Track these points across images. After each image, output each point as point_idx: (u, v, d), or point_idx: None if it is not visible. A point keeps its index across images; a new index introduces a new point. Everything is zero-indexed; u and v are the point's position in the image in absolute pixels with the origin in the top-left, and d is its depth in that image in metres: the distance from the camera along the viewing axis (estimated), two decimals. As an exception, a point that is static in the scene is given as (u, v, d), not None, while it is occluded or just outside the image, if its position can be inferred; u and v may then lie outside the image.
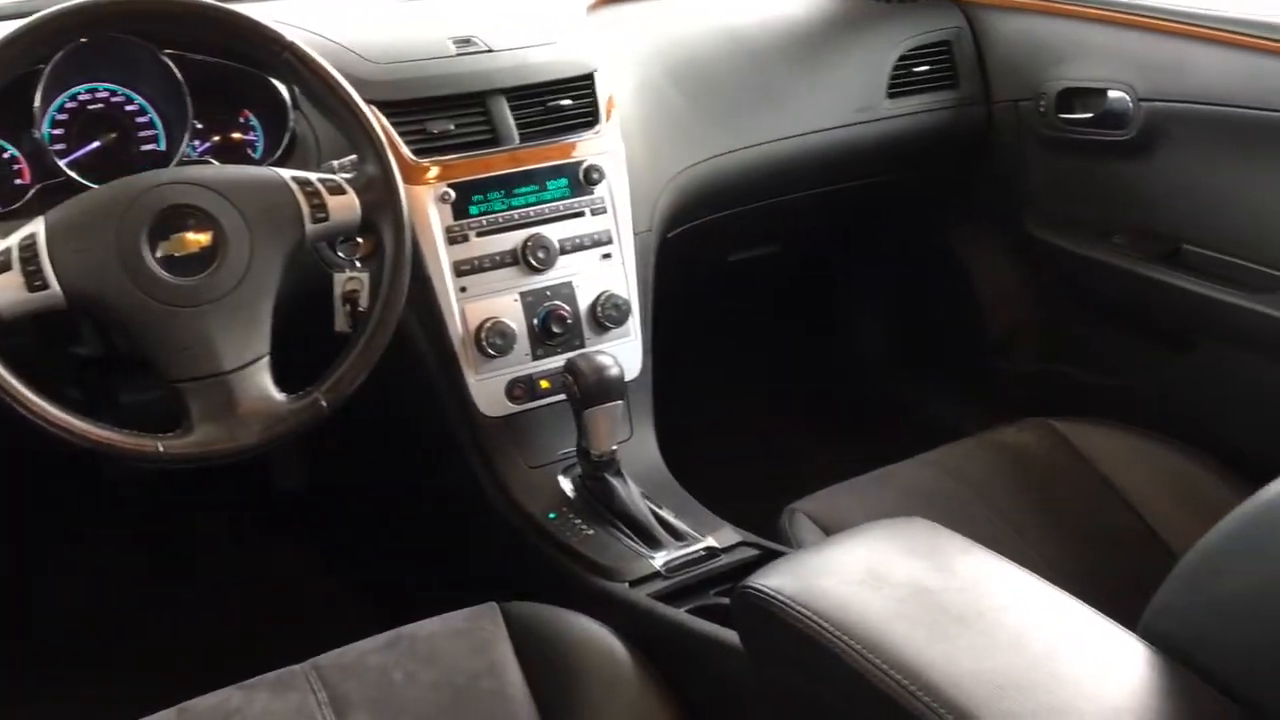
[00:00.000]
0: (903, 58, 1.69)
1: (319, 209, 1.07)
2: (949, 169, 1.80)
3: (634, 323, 1.41)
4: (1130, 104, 1.56)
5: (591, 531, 1.26)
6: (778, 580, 0.90)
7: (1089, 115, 1.61)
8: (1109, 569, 1.24)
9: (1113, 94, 1.58)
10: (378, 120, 1.18)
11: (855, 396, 2.02)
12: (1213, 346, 1.51)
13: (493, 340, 1.30)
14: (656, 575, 1.19)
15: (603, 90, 1.41)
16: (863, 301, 2.11)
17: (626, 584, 1.18)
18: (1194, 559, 0.81)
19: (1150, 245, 1.57)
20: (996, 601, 0.87)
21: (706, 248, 1.68)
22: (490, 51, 1.36)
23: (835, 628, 0.84)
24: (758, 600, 0.90)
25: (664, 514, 1.28)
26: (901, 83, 1.69)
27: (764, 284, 2.00)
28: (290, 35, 1.12)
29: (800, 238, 1.85)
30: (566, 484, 1.33)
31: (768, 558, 1.18)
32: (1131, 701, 0.77)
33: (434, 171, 1.29)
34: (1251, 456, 1.27)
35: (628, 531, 1.25)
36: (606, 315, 1.37)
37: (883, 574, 0.90)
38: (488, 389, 1.32)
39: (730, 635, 0.99)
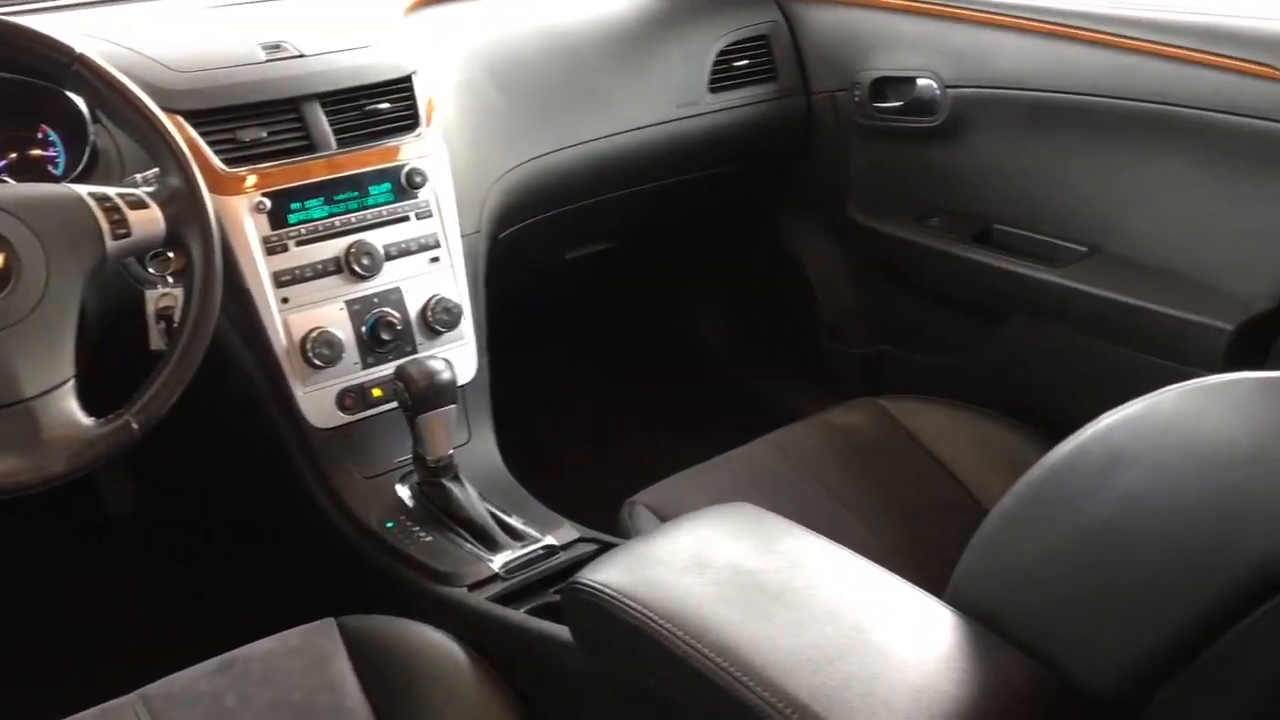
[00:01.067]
0: (722, 52, 1.72)
1: (119, 225, 1.03)
2: (774, 159, 1.85)
3: (467, 326, 1.40)
4: (938, 91, 1.63)
5: (430, 538, 1.26)
6: (604, 574, 0.91)
7: (900, 103, 1.68)
8: (936, 538, 1.29)
9: (921, 82, 1.65)
10: (180, 131, 1.15)
11: (699, 386, 2.05)
12: (1022, 320, 1.58)
13: (319, 351, 1.28)
14: (495, 578, 1.19)
15: (422, 92, 1.40)
16: (701, 292, 2.14)
17: (465, 588, 1.18)
18: (991, 525, 0.86)
19: (963, 226, 1.64)
20: (812, 579, 0.90)
21: (540, 247, 1.69)
22: (302, 57, 1.34)
23: (659, 616, 0.85)
24: (585, 595, 0.91)
25: (503, 516, 1.29)
26: (722, 77, 1.72)
27: (603, 280, 2.01)
28: (86, 45, 1.07)
29: (635, 233, 1.87)
30: (404, 492, 1.32)
31: (606, 552, 1.19)
32: (938, 665, 0.80)
33: (251, 180, 1.26)
34: (1059, 422, 1.34)
35: (467, 536, 1.25)
36: (438, 319, 1.36)
37: (706, 559, 0.92)
38: (317, 400, 1.30)
39: (566, 632, 1.00)
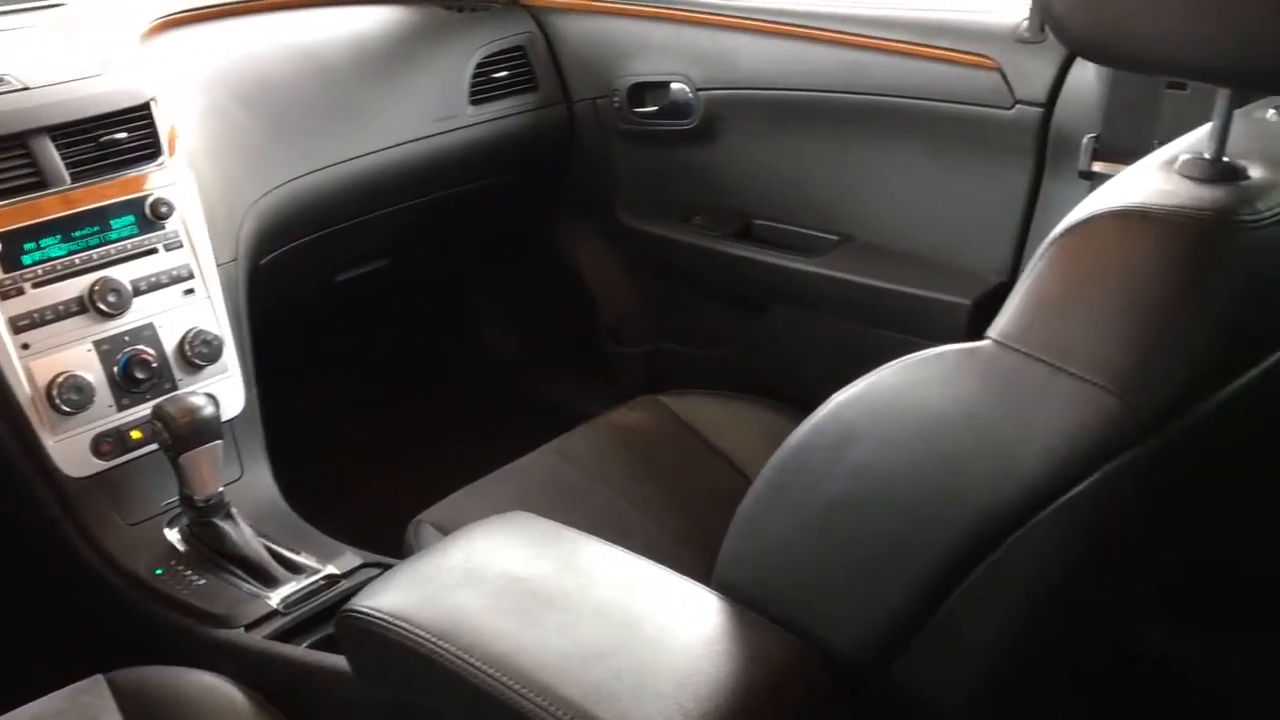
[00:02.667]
0: (480, 65, 1.72)
1: None
2: (541, 168, 1.86)
3: (230, 357, 1.36)
4: (690, 94, 1.68)
5: (204, 581, 1.21)
6: (375, 599, 0.91)
7: (657, 108, 1.72)
8: (720, 527, 1.32)
9: (674, 86, 1.70)
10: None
11: (487, 398, 2.05)
12: (786, 309, 1.65)
13: (67, 396, 1.21)
14: (274, 614, 1.16)
15: (163, 120, 1.35)
16: (483, 304, 2.14)
17: (242, 629, 1.14)
18: (745, 509, 0.89)
19: (725, 223, 1.70)
20: (584, 580, 0.91)
21: (307, 270, 1.65)
22: (26, 90, 1.27)
23: (432, 635, 0.85)
24: (358, 622, 0.90)
25: (281, 550, 1.25)
26: (483, 89, 1.72)
27: (380, 299, 1.98)
28: None
29: (410, 250, 1.85)
30: (174, 535, 1.27)
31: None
32: (703, 650, 0.83)
33: (-22, 222, 1.19)
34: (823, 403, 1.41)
35: (242, 574, 1.21)
36: (197, 354, 1.32)
37: (479, 572, 0.92)
38: (70, 448, 1.23)
39: (345, 662, 0.98)
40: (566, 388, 1.97)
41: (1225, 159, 0.75)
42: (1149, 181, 0.75)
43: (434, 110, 1.67)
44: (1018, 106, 1.37)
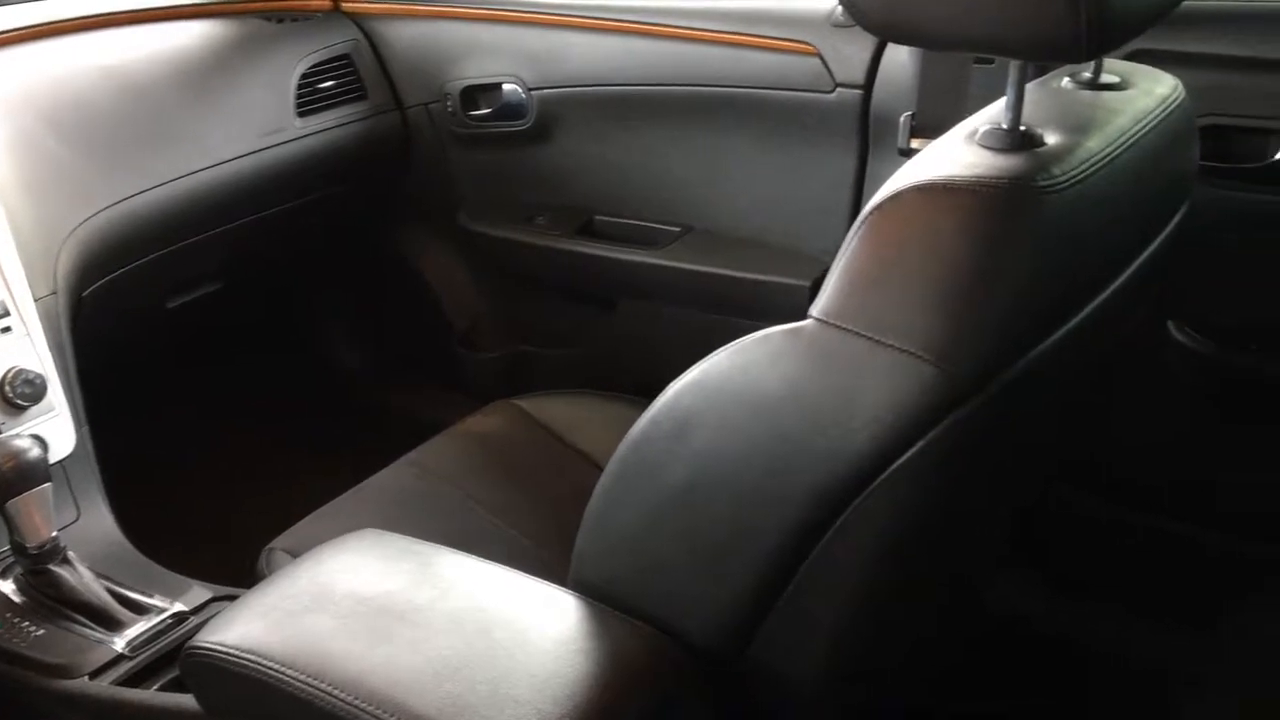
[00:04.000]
0: (305, 76, 1.68)
1: None
2: (378, 177, 1.83)
3: (56, 395, 1.29)
4: (523, 95, 1.67)
5: (43, 631, 1.15)
6: (220, 632, 0.88)
7: (491, 110, 1.71)
8: (582, 527, 1.33)
9: (507, 87, 1.69)
10: None
11: (340, 416, 2.00)
12: (634, 303, 1.66)
13: (-123, 449, 1.14)
14: (120, 659, 1.11)
15: (-37, 152, 1.28)
16: (330, 319, 2.09)
17: (86, 677, 1.09)
18: (594, 506, 0.89)
19: (567, 221, 1.70)
20: (435, 593, 0.90)
21: (136, 298, 1.58)
22: None
23: (278, 664, 0.83)
24: (202, 658, 0.87)
25: (124, 591, 1.20)
26: (309, 100, 1.68)
27: (220, 322, 1.92)
28: None
29: (245, 269, 1.79)
30: (7, 586, 1.20)
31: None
32: (560, 651, 0.83)
33: None
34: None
35: (84, 620, 1.16)
36: (19, 394, 1.25)
37: (326, 595, 0.90)
38: (-118, 506, 1.16)
39: (193, 701, 0.95)
40: (421, 398, 1.94)
41: (1022, 128, 0.77)
42: (951, 154, 0.78)
43: (259, 125, 1.62)
44: (838, 90, 1.40)
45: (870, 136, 1.40)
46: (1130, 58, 1.17)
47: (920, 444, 0.73)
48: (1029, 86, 0.93)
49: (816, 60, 1.41)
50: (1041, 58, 0.74)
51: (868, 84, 1.38)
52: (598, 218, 1.69)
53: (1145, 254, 0.88)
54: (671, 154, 1.60)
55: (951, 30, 0.74)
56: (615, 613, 0.87)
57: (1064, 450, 1.12)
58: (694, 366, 0.83)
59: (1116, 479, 1.37)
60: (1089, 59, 0.72)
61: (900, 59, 1.34)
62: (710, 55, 1.51)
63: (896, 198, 0.75)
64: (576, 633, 0.85)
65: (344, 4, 1.79)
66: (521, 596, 0.90)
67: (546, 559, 1.23)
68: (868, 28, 0.76)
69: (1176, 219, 0.95)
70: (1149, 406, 1.30)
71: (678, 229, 1.62)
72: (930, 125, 1.26)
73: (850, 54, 1.38)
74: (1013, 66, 0.76)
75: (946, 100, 1.18)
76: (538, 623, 0.86)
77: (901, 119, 1.28)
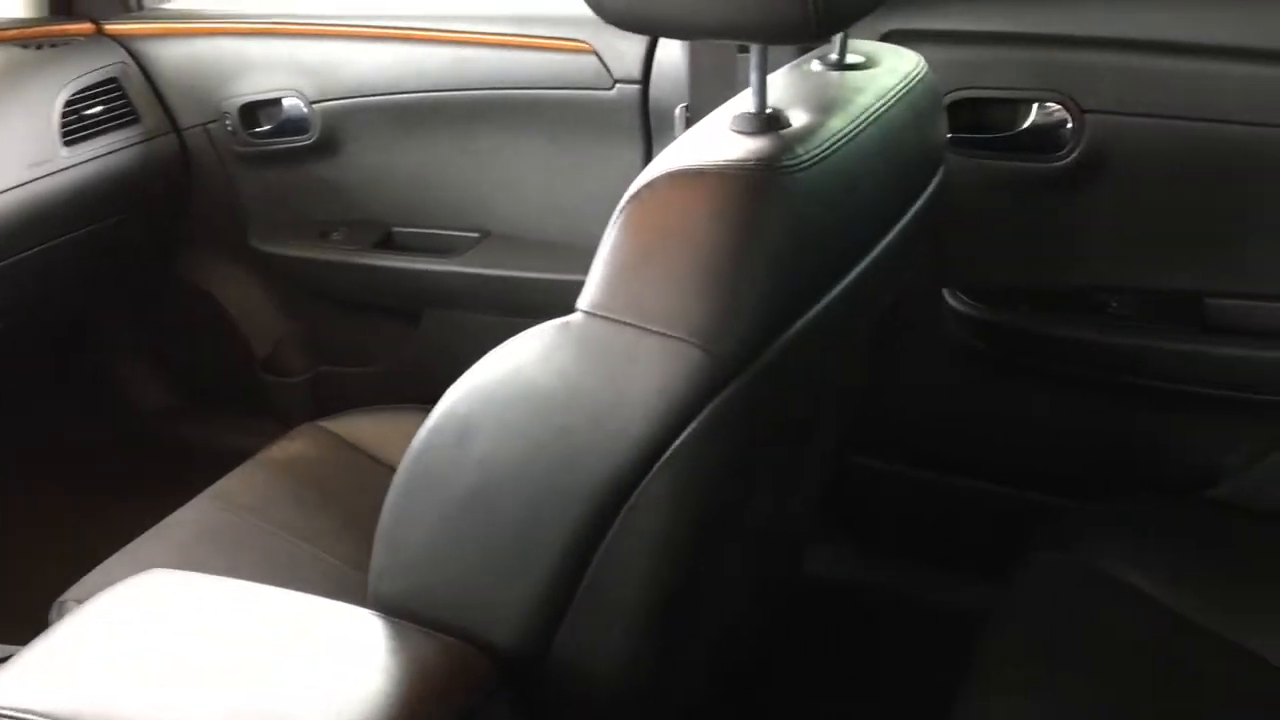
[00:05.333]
0: (70, 103, 1.59)
1: None
2: (158, 203, 1.75)
3: None
4: (305, 109, 1.63)
5: None
6: (-11, 697, 0.82)
7: (272, 126, 1.66)
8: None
9: (287, 102, 1.64)
10: None
11: (143, 454, 1.91)
12: (438, 312, 1.64)
13: None
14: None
15: None
16: (121, 353, 1.99)
17: None
18: (385, 520, 0.87)
19: (364, 235, 1.66)
20: (227, 627, 0.87)
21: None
22: None
23: (56, 721, 0.78)
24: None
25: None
26: (76, 128, 1.60)
27: (7, 366, 1.81)
28: None
29: (19, 309, 1.69)
30: None
31: None
32: (358, 671, 0.81)
33: None
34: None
35: None
36: None
37: (110, 644, 0.86)
38: None
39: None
40: (226, 428, 1.87)
41: (769, 110, 0.80)
42: (703, 140, 0.79)
43: (21, 157, 1.53)
44: (617, 86, 1.42)
45: (652, 130, 1.42)
46: (884, 38, 1.22)
47: (693, 425, 0.75)
48: (782, 70, 0.96)
49: (594, 58, 1.42)
50: (775, 41, 0.76)
51: (644, 78, 1.40)
52: (395, 229, 1.66)
53: (900, 224, 0.92)
54: (462, 160, 1.59)
55: (688, 19, 0.75)
56: (415, 627, 0.85)
57: (845, 415, 1.16)
58: (468, 371, 0.82)
59: (910, 441, 1.43)
60: (819, 40, 0.74)
61: (673, 52, 1.36)
62: (489, 58, 1.50)
63: (651, 186, 0.76)
64: (375, 652, 0.83)
65: (107, 27, 1.71)
66: (319, 622, 0.88)
67: (361, 581, 1.20)
68: (606, 19, 0.77)
69: (930, 189, 0.99)
70: (934, 372, 1.36)
71: (476, 235, 1.61)
72: (704, 115, 1.27)
73: (625, 49, 1.40)
74: (753, 51, 0.78)
75: (717, 89, 1.20)
76: (335, 647, 0.84)
77: (677, 111, 1.30)
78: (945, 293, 1.30)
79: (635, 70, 1.40)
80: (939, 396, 1.39)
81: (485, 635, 0.84)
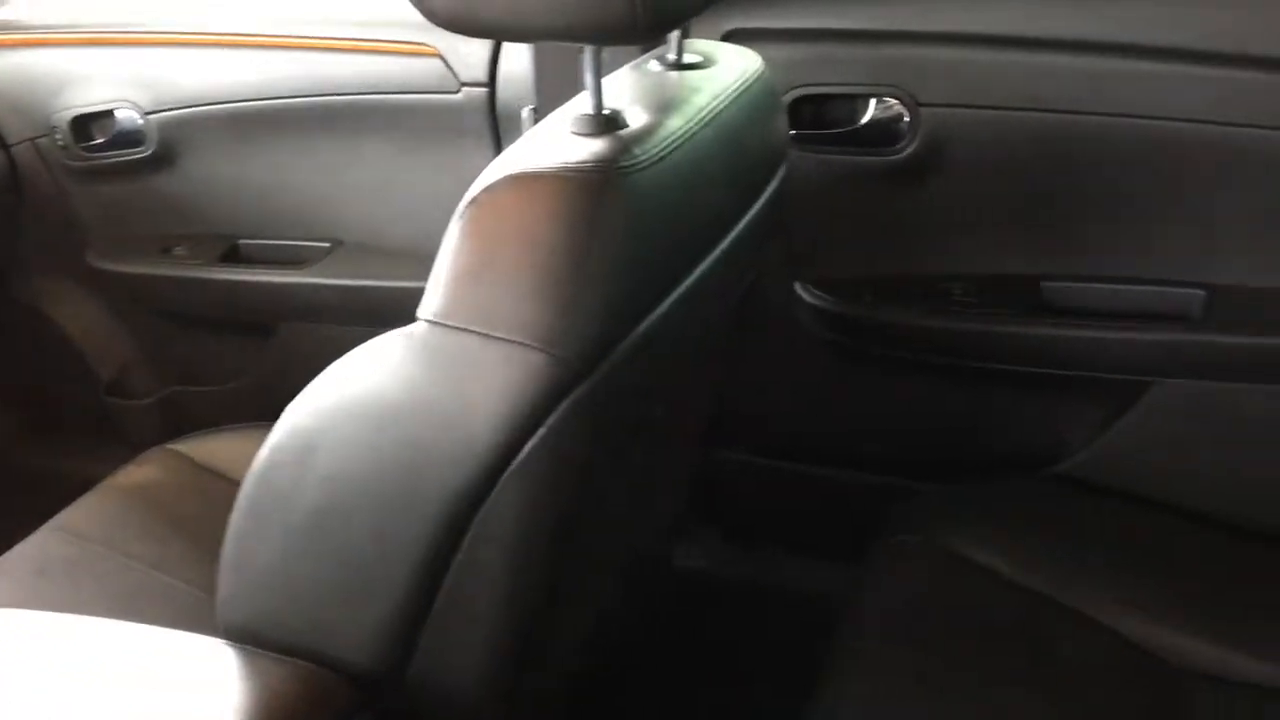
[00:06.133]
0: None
1: None
2: (-12, 224, 1.67)
3: None
4: (140, 120, 1.56)
5: None
6: None
7: (106, 139, 1.59)
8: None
9: (120, 114, 1.58)
10: None
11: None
12: (291, 326, 1.59)
13: None
14: None
15: None
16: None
17: None
18: (228, 547, 0.85)
19: (209, 249, 1.60)
20: (69, 666, 0.83)
21: None
22: None
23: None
24: None
25: None
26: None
27: None
28: None
29: None
30: None
31: None
32: (204, 702, 0.78)
33: None
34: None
35: None
36: None
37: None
38: None
39: None
40: (72, 456, 1.78)
41: (607, 111, 0.79)
42: (541, 142, 0.79)
43: None
44: (464, 89, 1.40)
45: (501, 133, 1.41)
46: (725, 37, 1.23)
47: (541, 431, 0.74)
48: (621, 71, 0.96)
49: (439, 61, 1.40)
50: (605, 42, 0.76)
51: (491, 81, 1.38)
52: (242, 242, 1.61)
53: (744, 221, 0.93)
54: (308, 168, 1.55)
55: (517, 21, 0.75)
56: (266, 653, 0.83)
57: (704, 411, 1.17)
58: (309, 386, 0.80)
59: (770, 433, 1.45)
60: (648, 40, 0.75)
61: (519, 53, 1.35)
62: (333, 64, 1.47)
63: (490, 190, 0.75)
64: (221, 683, 0.80)
65: (-80, 40, 1.61)
66: (163, 655, 0.84)
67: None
68: (437, 23, 0.76)
69: (773, 186, 1.00)
70: (791, 364, 1.38)
71: (327, 245, 1.57)
72: (551, 116, 1.28)
73: (470, 52, 1.38)
74: (586, 52, 0.78)
75: (562, 91, 1.18)
76: (180, 681, 0.81)
77: (524, 113, 1.29)
78: (797, 286, 1.32)
79: (481, 73, 1.38)
80: (796, 388, 1.41)
81: (340, 656, 0.82)
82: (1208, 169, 1.17)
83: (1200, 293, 1.20)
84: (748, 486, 1.50)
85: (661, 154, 0.78)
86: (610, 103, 0.81)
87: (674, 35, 0.96)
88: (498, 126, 1.40)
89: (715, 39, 1.24)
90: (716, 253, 0.88)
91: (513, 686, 0.88)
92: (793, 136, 1.24)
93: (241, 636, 0.85)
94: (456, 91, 1.40)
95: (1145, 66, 1.15)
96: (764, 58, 1.05)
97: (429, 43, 1.40)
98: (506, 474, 0.75)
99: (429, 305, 0.76)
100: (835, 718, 0.98)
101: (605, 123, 0.79)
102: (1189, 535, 1.21)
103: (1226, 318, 1.18)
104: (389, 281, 1.49)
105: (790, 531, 1.50)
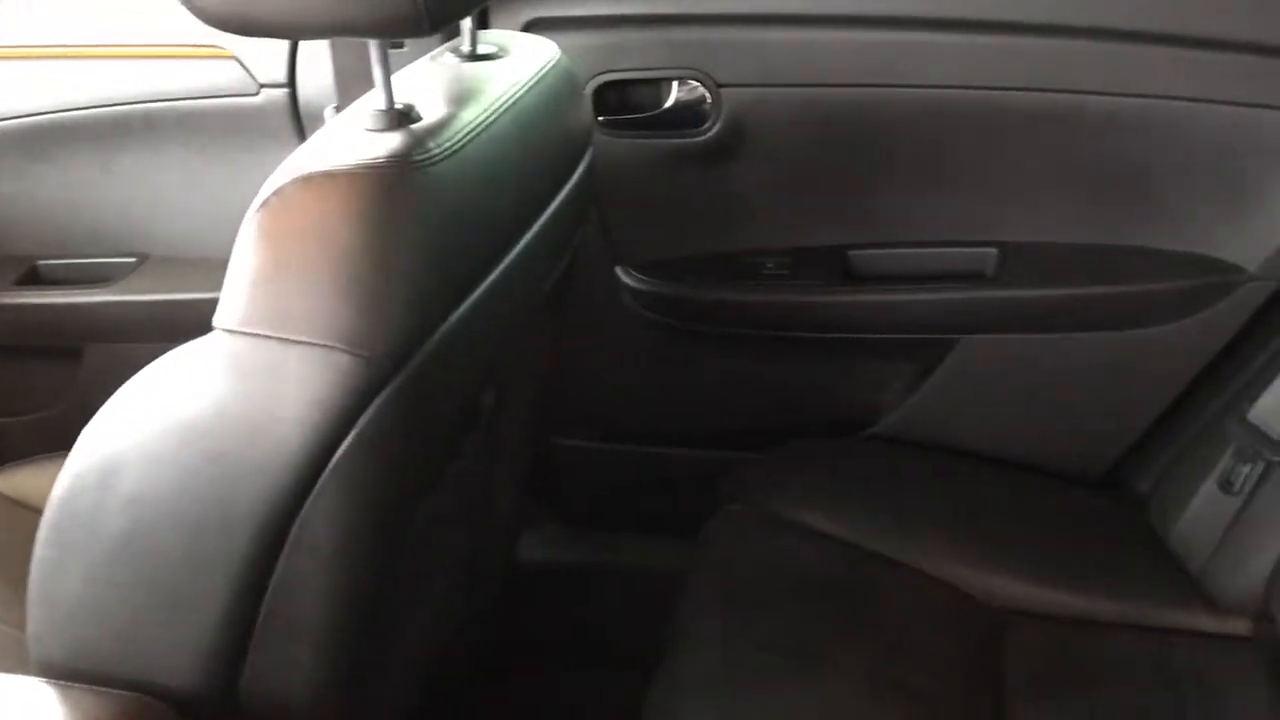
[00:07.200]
0: None
1: None
2: None
3: None
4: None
5: None
6: None
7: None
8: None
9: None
10: None
11: None
12: (98, 348, 1.53)
13: None
14: None
15: None
16: None
17: None
18: (34, 580, 0.81)
19: (7, 272, 1.52)
20: None
21: None
22: None
23: None
24: None
25: None
26: None
27: None
28: None
29: None
30: None
31: None
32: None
33: None
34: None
35: None
36: None
37: None
38: None
39: None
40: None
41: (399, 105, 0.79)
42: (333, 140, 0.78)
43: None
44: (263, 91, 1.36)
45: (306, 134, 1.38)
46: (525, 27, 1.23)
47: (354, 433, 0.73)
48: (415, 64, 0.95)
49: (235, 63, 1.36)
50: (390, 35, 0.75)
51: (291, 81, 1.35)
52: (40, 262, 1.53)
53: (550, 209, 0.94)
54: (108, 182, 1.48)
55: (293, 19, 0.74)
56: (83, 687, 0.79)
57: (533, 400, 1.17)
58: (105, 405, 0.77)
59: (605, 416, 1.47)
60: (434, 33, 0.74)
61: (317, 51, 1.32)
62: (126, 72, 1.41)
63: (280, 192, 0.74)
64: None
65: None
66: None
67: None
68: (207, 22, 0.74)
69: (579, 173, 1.01)
70: (619, 348, 1.40)
71: (133, 259, 1.51)
72: (354, 115, 1.25)
73: (267, 52, 1.35)
74: (372, 46, 0.77)
75: (364, 88, 1.17)
76: (-8, 721, 0.77)
77: (326, 112, 1.27)
78: (618, 270, 1.34)
79: (280, 74, 1.35)
80: (626, 371, 1.43)
81: (162, 682, 0.79)
82: (995, 133, 1.23)
83: (993, 251, 1.27)
84: (587, 472, 1.51)
85: (456, 146, 0.78)
86: (404, 97, 0.80)
87: (467, 26, 0.96)
88: (302, 127, 1.37)
89: (516, 29, 1.24)
90: (525, 240, 0.89)
91: (351, 696, 0.87)
92: (601, 122, 1.26)
93: (56, 672, 0.81)
94: (256, 93, 1.36)
95: (929, 38, 1.20)
96: (566, 45, 1.05)
97: (223, 44, 1.36)
98: (321, 479, 0.74)
99: (225, 313, 0.75)
100: (676, 691, 1.00)
101: (398, 117, 0.78)
102: (997, 482, 1.29)
103: (1017, 273, 1.25)
104: (200, 294, 1.44)
105: (632, 513, 1.52)
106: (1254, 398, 1.10)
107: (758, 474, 1.27)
